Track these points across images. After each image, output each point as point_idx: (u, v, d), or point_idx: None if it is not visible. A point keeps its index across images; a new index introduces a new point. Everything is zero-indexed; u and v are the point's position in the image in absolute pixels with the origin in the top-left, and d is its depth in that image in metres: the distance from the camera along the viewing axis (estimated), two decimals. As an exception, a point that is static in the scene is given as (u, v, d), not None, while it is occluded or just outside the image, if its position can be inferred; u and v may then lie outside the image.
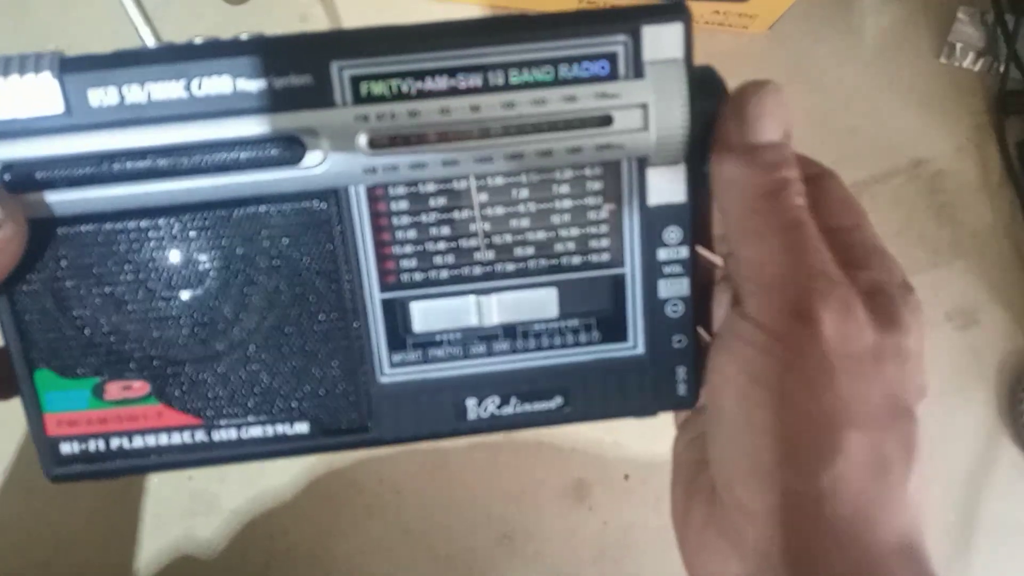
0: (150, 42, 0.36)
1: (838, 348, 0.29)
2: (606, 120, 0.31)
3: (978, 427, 0.69)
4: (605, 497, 0.66)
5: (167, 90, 0.30)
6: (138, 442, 0.34)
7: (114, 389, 0.33)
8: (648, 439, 0.65)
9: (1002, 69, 0.69)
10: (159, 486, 0.64)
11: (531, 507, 0.66)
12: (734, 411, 0.31)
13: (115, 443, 0.34)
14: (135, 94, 0.30)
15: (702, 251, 0.35)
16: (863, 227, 0.32)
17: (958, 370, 0.69)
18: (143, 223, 0.31)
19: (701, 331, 0.35)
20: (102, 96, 0.30)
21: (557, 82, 0.31)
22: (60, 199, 0.30)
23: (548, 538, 0.66)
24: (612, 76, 0.31)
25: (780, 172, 0.31)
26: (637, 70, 0.31)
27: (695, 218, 0.33)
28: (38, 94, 0.29)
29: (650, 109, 0.31)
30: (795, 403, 0.29)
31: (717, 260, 0.36)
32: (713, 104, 0.32)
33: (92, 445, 0.33)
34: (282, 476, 0.65)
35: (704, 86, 0.32)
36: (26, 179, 0.30)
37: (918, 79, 0.70)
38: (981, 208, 0.69)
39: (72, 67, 0.30)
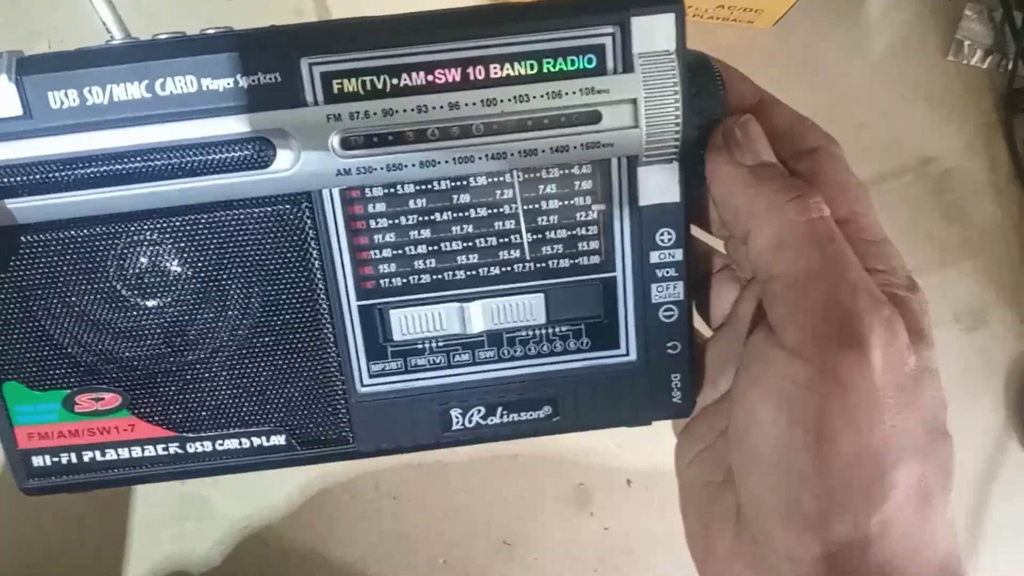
0: (118, 36, 0.35)
1: (887, 378, 0.27)
2: (593, 117, 0.30)
3: (986, 429, 0.68)
4: (606, 503, 0.65)
5: (130, 91, 0.29)
6: (111, 455, 0.33)
7: (84, 401, 0.32)
8: (651, 444, 0.63)
9: (1010, 66, 0.68)
10: (149, 491, 0.63)
11: (531, 513, 0.65)
12: (771, 455, 0.28)
13: (87, 456, 0.33)
14: (97, 96, 0.29)
15: (700, 234, 0.33)
16: (866, 215, 0.30)
17: (966, 372, 0.68)
18: (109, 230, 0.30)
19: (698, 329, 0.34)
20: (63, 98, 0.29)
21: (541, 77, 0.30)
22: (22, 206, 0.29)
23: (548, 545, 0.65)
24: (600, 70, 0.30)
25: (805, 187, 0.29)
26: (626, 63, 0.30)
27: (688, 219, 0.32)
28: None
29: (640, 105, 0.30)
30: (841, 445, 0.27)
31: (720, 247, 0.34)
32: (715, 102, 0.31)
33: (64, 458, 0.32)
34: (275, 480, 0.64)
35: (699, 78, 0.31)
36: None
37: (926, 76, 0.68)
38: (990, 207, 0.68)
39: (31, 68, 0.28)
